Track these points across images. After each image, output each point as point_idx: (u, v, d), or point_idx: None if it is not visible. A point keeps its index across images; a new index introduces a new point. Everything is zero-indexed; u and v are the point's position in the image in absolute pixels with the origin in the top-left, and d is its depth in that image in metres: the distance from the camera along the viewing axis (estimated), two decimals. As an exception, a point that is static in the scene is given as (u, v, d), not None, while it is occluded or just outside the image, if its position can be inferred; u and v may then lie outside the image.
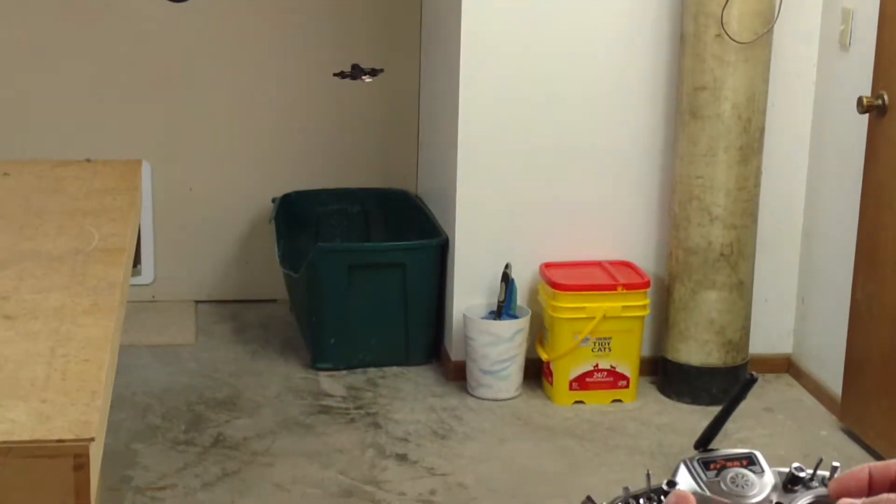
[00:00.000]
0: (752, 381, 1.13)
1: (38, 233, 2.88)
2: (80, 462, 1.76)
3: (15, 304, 2.37)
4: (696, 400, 4.44)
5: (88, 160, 3.65)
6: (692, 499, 0.90)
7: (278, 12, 5.23)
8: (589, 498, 0.99)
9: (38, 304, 2.37)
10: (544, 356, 4.48)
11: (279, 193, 5.22)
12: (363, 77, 4.63)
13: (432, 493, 3.79)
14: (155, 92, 5.21)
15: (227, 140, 5.31)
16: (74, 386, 1.97)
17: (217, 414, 4.29)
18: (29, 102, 5.13)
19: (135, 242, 3.05)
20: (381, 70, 4.68)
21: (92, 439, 1.78)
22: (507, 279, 4.48)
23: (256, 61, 5.27)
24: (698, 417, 4.31)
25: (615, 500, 0.98)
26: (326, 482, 3.84)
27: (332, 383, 4.57)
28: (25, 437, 1.78)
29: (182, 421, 4.22)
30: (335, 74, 4.63)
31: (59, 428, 1.80)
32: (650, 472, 0.99)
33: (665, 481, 0.98)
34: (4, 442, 1.77)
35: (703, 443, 1.01)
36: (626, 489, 0.99)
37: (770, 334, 4.71)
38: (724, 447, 1.00)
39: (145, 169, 4.13)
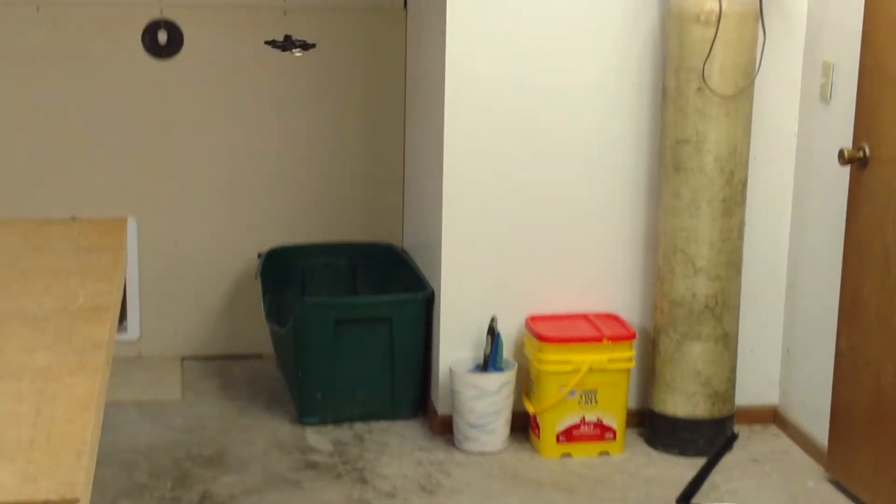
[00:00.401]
0: (733, 438, 1.13)
1: (23, 292, 2.86)
2: None
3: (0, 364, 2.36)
4: (683, 451, 4.40)
5: (74, 218, 3.66)
6: None
7: (262, 71, 5.25)
8: None
9: (23, 364, 2.36)
10: (531, 409, 4.45)
11: (265, 248, 5.22)
12: (294, 50, 4.60)
13: None
14: (139, 148, 5.22)
15: (212, 195, 5.31)
16: (60, 447, 1.94)
17: (204, 471, 4.25)
18: (12, 159, 5.13)
19: (120, 300, 3.03)
20: (314, 45, 4.68)
21: (77, 500, 1.75)
22: (493, 332, 4.47)
23: (241, 118, 5.28)
24: (686, 469, 4.17)
25: None
26: None
27: (320, 438, 4.55)
28: (11, 498, 1.75)
29: (169, 478, 4.18)
30: (266, 42, 4.62)
31: (45, 489, 1.78)
32: None
33: None
34: None
35: (686, 498, 1.00)
36: None
37: (756, 385, 4.69)
38: (712, 499, 0.96)
39: (130, 225, 4.11)
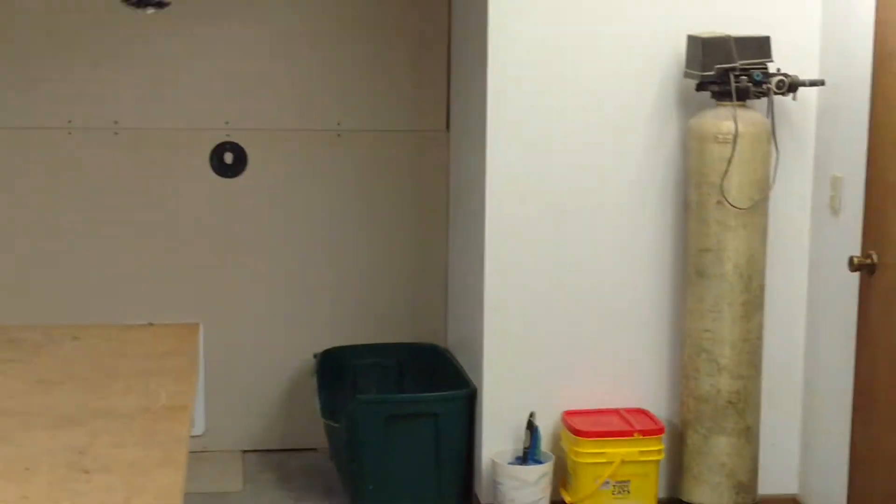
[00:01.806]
0: None
1: (109, 392, 2.91)
2: None
3: (91, 458, 2.38)
4: None
5: (150, 324, 3.71)
6: None
7: (317, 188, 5.30)
8: None
9: (113, 459, 2.38)
10: (568, 499, 4.45)
11: (320, 349, 5.22)
12: (147, 7, 4.25)
13: None
14: (206, 258, 5.26)
15: (271, 300, 5.34)
16: None
17: None
18: (94, 268, 5.18)
19: (195, 400, 3.05)
20: (168, 3, 4.30)
21: None
22: (531, 426, 4.48)
23: (298, 231, 5.33)
24: None
25: None
26: None
27: None
28: None
29: None
30: (122, 1, 4.27)
31: None
32: None
33: None
34: None
35: None
36: None
37: (777, 476, 4.64)
38: None
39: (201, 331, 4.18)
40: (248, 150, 5.23)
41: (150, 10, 4.24)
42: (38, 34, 5.05)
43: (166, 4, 4.29)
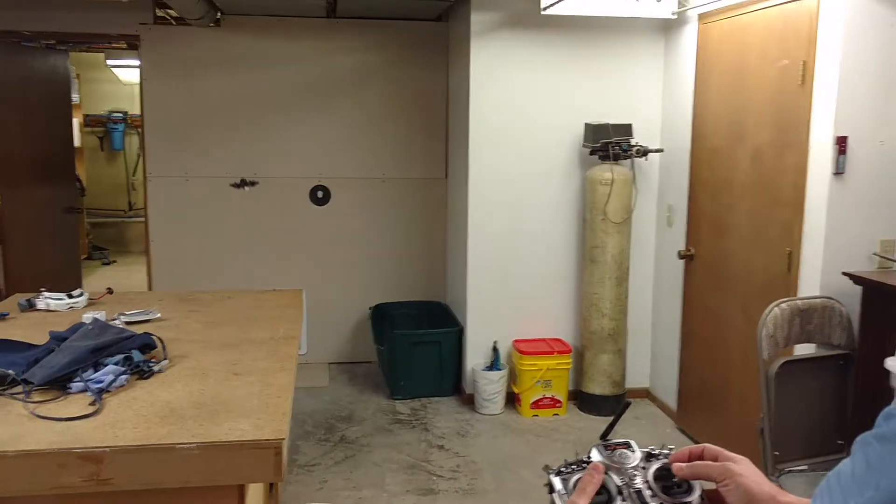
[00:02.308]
0: (628, 404, 1.07)
1: (250, 329, 2.76)
2: (278, 451, 1.74)
3: (240, 367, 2.31)
4: (599, 413, 4.44)
5: (275, 290, 3.52)
6: (601, 466, 0.88)
7: (373, 209, 5.27)
8: (546, 466, 0.91)
9: (253, 367, 2.30)
10: (516, 390, 4.50)
11: (373, 304, 5.26)
12: None
13: (458, 466, 3.80)
14: (307, 251, 5.24)
15: (345, 274, 5.29)
16: (273, 410, 1.93)
17: (341, 424, 4.30)
18: (242, 258, 5.18)
19: (301, 333, 2.93)
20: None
21: (284, 439, 1.76)
22: (495, 349, 4.54)
23: (362, 236, 5.28)
24: (601, 423, 4.26)
25: (559, 467, 0.90)
26: (401, 461, 3.84)
27: (403, 406, 4.58)
28: (248, 437, 1.76)
29: (322, 428, 4.23)
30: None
31: (267, 433, 1.78)
32: (577, 452, 0.94)
33: (585, 456, 0.91)
34: (240, 440, 1.74)
35: (603, 436, 0.95)
36: (546, 466, 0.91)
37: (637, 377, 4.68)
38: (615, 438, 0.93)
39: (304, 294, 4.20)
40: (331, 190, 5.23)
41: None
42: (208, 122, 5.08)
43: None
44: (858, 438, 0.73)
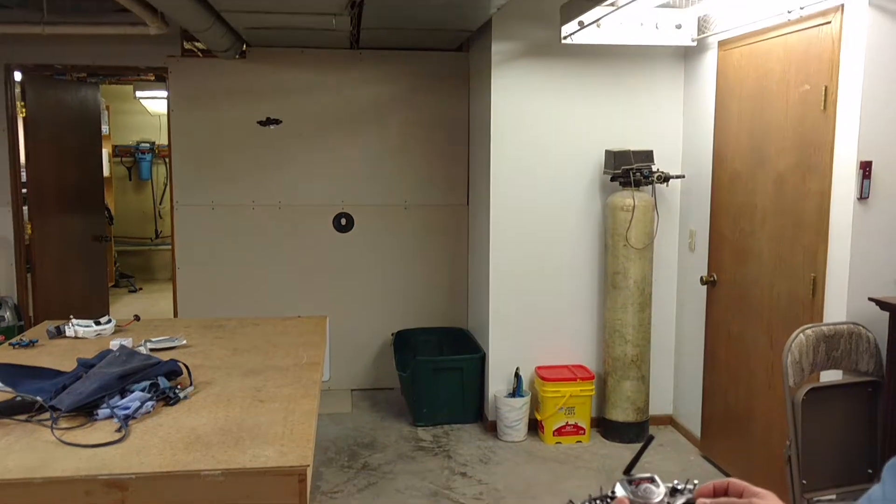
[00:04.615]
0: (651, 438, 1.05)
1: (274, 355, 2.83)
2: (302, 478, 1.74)
3: (264, 393, 2.35)
4: (622, 440, 4.39)
5: (299, 316, 3.62)
6: (626, 501, 0.88)
7: (397, 237, 5.26)
8: (570, 501, 0.90)
9: (277, 393, 2.34)
10: (539, 417, 4.46)
11: (395, 330, 5.24)
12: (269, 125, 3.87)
13: (480, 493, 3.76)
14: (330, 278, 5.21)
15: (367, 301, 5.28)
16: (298, 437, 1.93)
17: (363, 451, 4.28)
18: (267, 284, 5.19)
19: (324, 359, 2.97)
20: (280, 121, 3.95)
21: (308, 466, 1.77)
22: (517, 376, 4.50)
23: (384, 262, 5.27)
24: (624, 450, 4.27)
25: (583, 502, 0.88)
26: (423, 488, 3.81)
27: (425, 433, 4.56)
28: (273, 464, 1.76)
29: (345, 455, 4.21)
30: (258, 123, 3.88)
31: (292, 460, 1.78)
32: (601, 486, 0.91)
33: (610, 491, 0.89)
34: (264, 467, 1.75)
35: (627, 471, 0.92)
36: (570, 502, 0.91)
37: (660, 403, 4.64)
38: (639, 472, 0.91)
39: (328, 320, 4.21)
40: (354, 217, 5.23)
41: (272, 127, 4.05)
42: (234, 151, 5.13)
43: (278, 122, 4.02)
44: (889, 463, 0.72)
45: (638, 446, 4.36)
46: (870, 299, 2.97)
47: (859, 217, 3.05)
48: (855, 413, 2.77)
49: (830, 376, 3.06)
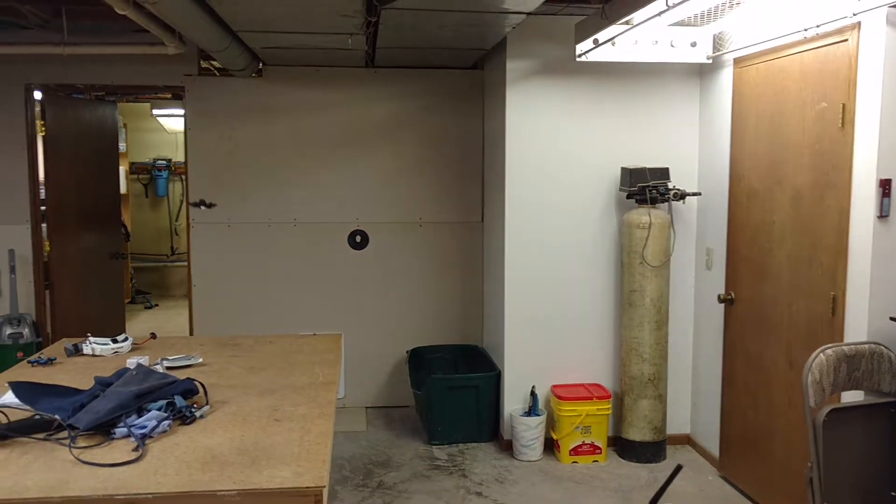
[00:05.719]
0: (679, 468, 0.98)
1: (290, 374, 2.82)
2: (318, 498, 1.75)
3: (280, 412, 2.35)
4: (639, 460, 4.36)
5: (314, 334, 3.59)
6: None
7: (410, 254, 5.25)
8: None
9: (293, 413, 2.34)
10: (555, 436, 4.44)
11: (410, 347, 5.23)
12: None
13: None
14: (346, 296, 5.24)
15: (382, 319, 5.28)
16: (314, 457, 1.94)
17: (379, 469, 4.26)
18: (283, 301, 5.18)
19: (339, 377, 2.94)
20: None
21: (324, 486, 1.77)
22: (533, 394, 4.49)
23: (398, 281, 5.28)
24: (641, 470, 4.23)
25: None
26: None
27: (440, 452, 4.54)
28: (289, 485, 1.77)
29: (360, 473, 4.19)
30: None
31: (308, 480, 1.79)
32: None
33: None
34: (280, 487, 1.76)
35: (653, 501, 0.88)
36: None
37: (677, 422, 4.61)
38: (665, 501, 0.86)
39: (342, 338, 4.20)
40: (369, 234, 5.24)
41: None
42: (250, 168, 5.14)
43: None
44: None
45: (654, 466, 4.31)
46: (891, 318, 2.94)
47: (879, 235, 3.02)
48: (877, 434, 2.74)
49: (851, 397, 3.03)
